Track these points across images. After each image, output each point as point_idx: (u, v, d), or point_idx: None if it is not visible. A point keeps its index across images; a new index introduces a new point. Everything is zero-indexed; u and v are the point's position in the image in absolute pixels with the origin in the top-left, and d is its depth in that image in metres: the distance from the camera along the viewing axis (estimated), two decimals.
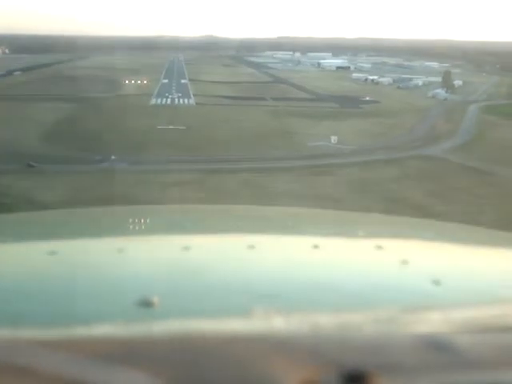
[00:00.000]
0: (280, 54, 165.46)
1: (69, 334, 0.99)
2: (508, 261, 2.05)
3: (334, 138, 50.41)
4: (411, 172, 39.90)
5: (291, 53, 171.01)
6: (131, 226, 2.67)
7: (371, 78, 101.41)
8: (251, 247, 1.84)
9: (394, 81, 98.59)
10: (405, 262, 1.70)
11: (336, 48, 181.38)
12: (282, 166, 41.32)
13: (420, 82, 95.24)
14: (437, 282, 1.50)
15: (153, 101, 71.73)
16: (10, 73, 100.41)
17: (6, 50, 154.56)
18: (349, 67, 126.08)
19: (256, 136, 49.76)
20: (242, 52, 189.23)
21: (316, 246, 1.90)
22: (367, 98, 76.73)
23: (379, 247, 1.89)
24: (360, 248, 2.06)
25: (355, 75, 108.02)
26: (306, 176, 38.14)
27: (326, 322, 1.05)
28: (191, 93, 79.08)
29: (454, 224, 3.91)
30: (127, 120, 54.44)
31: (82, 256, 1.86)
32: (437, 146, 49.95)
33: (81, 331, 1.00)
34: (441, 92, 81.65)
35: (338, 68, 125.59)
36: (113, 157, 42.19)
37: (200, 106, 68.02)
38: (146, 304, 1.25)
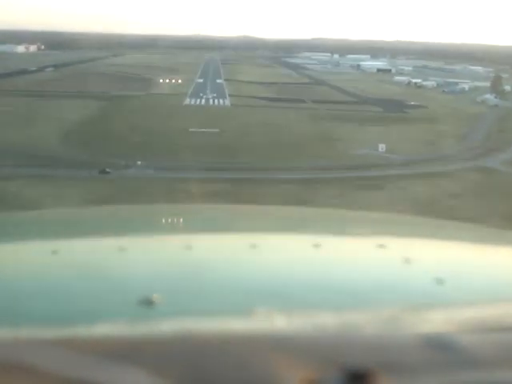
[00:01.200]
0: (318, 56, 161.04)
1: (71, 332, 0.99)
2: (511, 260, 2.03)
3: (381, 146, 45.39)
4: (474, 187, 34.72)
5: (329, 54, 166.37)
6: (133, 225, 2.59)
7: (414, 81, 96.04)
8: (253, 246, 1.83)
9: (438, 84, 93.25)
10: (407, 261, 1.68)
11: (373, 50, 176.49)
12: (326, 177, 36.45)
13: (466, 87, 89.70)
14: (439, 281, 1.49)
15: (186, 101, 67.21)
16: (41, 69, 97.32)
17: (42, 46, 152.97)
18: (390, 70, 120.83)
19: (296, 142, 44.95)
20: (278, 53, 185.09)
21: (318, 245, 1.87)
22: (412, 103, 71.45)
23: (381, 246, 1.88)
24: (362, 247, 2.03)
25: (397, 78, 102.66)
26: (354, 190, 33.25)
27: (328, 321, 1.04)
28: (226, 93, 74.54)
29: (456, 223, 3.73)
30: (157, 121, 50.16)
31: (85, 255, 1.85)
32: (495, 156, 44.68)
33: (83, 330, 0.99)
34: (490, 97, 76.02)
35: (379, 70, 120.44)
36: (138, 162, 37.81)
37: (235, 107, 63.29)
38: (148, 303, 1.25)
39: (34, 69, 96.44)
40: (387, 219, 3.06)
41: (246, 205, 7.61)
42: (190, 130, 47.29)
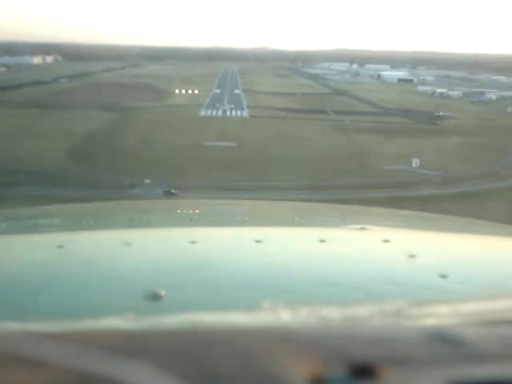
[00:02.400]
0: (336, 66, 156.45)
1: (78, 326, 0.98)
2: None
3: (415, 161, 40.61)
4: None
5: (348, 64, 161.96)
6: (139, 220, 2.58)
7: (439, 91, 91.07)
8: (258, 241, 1.82)
9: (464, 94, 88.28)
10: (412, 256, 1.68)
11: (391, 60, 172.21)
12: (357, 197, 31.70)
13: (493, 97, 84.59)
14: (444, 276, 1.49)
15: (202, 112, 62.80)
16: (55, 80, 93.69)
17: (59, 58, 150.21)
18: (411, 80, 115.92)
19: (320, 156, 40.36)
20: (297, 63, 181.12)
21: (322, 240, 1.86)
22: (441, 113, 66.60)
23: (386, 241, 1.87)
24: (367, 242, 2.02)
25: (421, 88, 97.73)
26: None
27: (333, 315, 1.04)
28: (244, 104, 70.14)
29: (461, 218, 3.43)
30: (171, 134, 45.81)
31: (91, 249, 1.86)
32: None
33: (90, 324, 0.99)
34: None
35: (400, 80, 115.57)
36: (147, 180, 33.36)
37: (254, 118, 58.82)
38: (154, 297, 1.25)
39: (47, 80, 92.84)
40: (392, 214, 2.98)
41: (250, 200, 6.99)
42: (206, 143, 42.83)
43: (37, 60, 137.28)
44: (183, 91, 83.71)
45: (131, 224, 2.46)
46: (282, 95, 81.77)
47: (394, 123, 58.77)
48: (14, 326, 0.99)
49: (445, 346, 0.90)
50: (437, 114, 66.65)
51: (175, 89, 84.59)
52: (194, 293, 1.38)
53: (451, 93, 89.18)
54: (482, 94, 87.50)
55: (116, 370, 0.80)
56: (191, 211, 2.83)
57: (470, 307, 1.13)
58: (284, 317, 1.03)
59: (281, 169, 36.06)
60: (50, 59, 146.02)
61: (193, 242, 1.80)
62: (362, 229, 2.21)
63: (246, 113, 63.05)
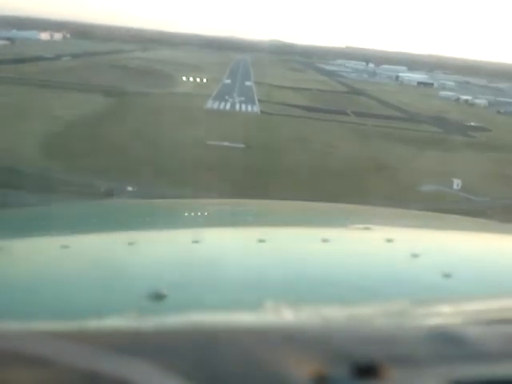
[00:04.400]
0: (352, 64, 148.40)
1: (81, 326, 0.98)
2: None
3: (456, 182, 33.09)
4: None
5: (364, 63, 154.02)
6: (142, 220, 2.57)
7: (464, 98, 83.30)
8: (261, 241, 1.81)
9: (489, 103, 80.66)
10: (415, 255, 1.66)
11: (408, 63, 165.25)
12: None
13: None
14: (447, 275, 1.48)
15: (209, 104, 54.89)
16: (58, 57, 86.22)
17: (68, 35, 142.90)
18: (432, 84, 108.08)
19: (343, 169, 32.81)
20: (311, 58, 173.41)
21: (326, 240, 1.84)
22: (472, 124, 58.88)
23: (389, 240, 1.85)
24: (370, 241, 2.00)
25: (443, 93, 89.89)
26: None
27: (336, 314, 1.03)
28: (256, 98, 62.31)
29: (464, 217, 3.40)
30: (170, 128, 38.21)
31: (94, 249, 1.85)
32: None
33: (93, 323, 0.99)
34: None
35: (420, 84, 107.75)
36: (129, 188, 25.88)
37: (266, 115, 51.06)
38: (158, 297, 1.24)
39: (50, 56, 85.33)
40: (395, 214, 3.00)
41: (254, 199, 5.83)
42: (208, 142, 35.17)
43: (44, 36, 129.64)
44: (191, 79, 76.10)
45: (135, 223, 2.40)
46: (296, 90, 74.04)
47: (423, 132, 51.12)
48: (18, 325, 0.99)
49: (448, 345, 0.89)
50: (467, 123, 58.99)
51: (183, 76, 77.01)
52: (196, 292, 1.36)
53: (477, 101, 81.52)
54: (510, 104, 79.92)
55: (119, 369, 0.79)
56: (194, 211, 2.77)
57: (473, 307, 1.12)
58: (287, 316, 1.02)
59: (293, 181, 28.39)
60: (58, 36, 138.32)
61: (196, 242, 1.79)
62: (366, 228, 2.19)
63: (256, 108, 55.17)
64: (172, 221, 2.56)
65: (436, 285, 1.45)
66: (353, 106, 62.47)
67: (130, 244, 1.78)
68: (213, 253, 1.76)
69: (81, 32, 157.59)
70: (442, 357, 0.87)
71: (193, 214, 2.74)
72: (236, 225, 2.38)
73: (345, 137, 43.28)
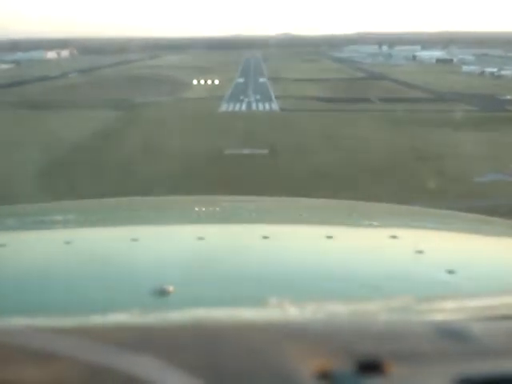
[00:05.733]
0: (365, 48, 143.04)
1: (85, 321, 0.98)
2: None
3: None
4: None
5: (377, 47, 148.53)
6: (146, 216, 2.54)
7: (489, 70, 77.72)
8: (265, 237, 1.79)
9: None
10: (419, 252, 1.66)
11: (420, 42, 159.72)
12: None
13: None
14: (451, 272, 1.47)
15: (223, 106, 50.26)
16: (64, 74, 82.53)
17: (75, 51, 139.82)
18: (451, 60, 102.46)
19: (384, 164, 28.03)
20: (322, 48, 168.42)
21: (330, 236, 1.83)
22: (508, 97, 53.61)
23: (393, 237, 1.84)
24: (374, 238, 1.99)
25: (466, 68, 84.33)
26: None
27: (340, 310, 1.02)
28: (272, 94, 57.55)
29: (469, 214, 3.30)
30: (180, 138, 33.79)
31: (98, 245, 1.84)
32: None
33: (97, 319, 0.99)
34: None
35: (439, 61, 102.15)
36: None
37: (286, 112, 46.28)
38: (162, 293, 1.23)
39: (55, 75, 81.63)
40: (399, 211, 2.93)
41: (257, 196, 5.78)
42: (226, 152, 30.59)
43: (51, 55, 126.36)
44: (202, 82, 71.71)
45: (138, 220, 2.37)
46: (314, 82, 69.20)
47: (458, 111, 46.01)
48: (21, 321, 0.98)
49: (453, 341, 0.88)
50: (503, 97, 53.75)
51: (193, 79, 72.67)
52: (201, 288, 1.35)
53: (503, 72, 75.91)
54: None
55: (124, 365, 0.79)
56: (198, 207, 2.72)
57: (478, 303, 1.11)
58: (291, 312, 1.01)
59: (334, 188, 23.67)
60: (65, 54, 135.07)
61: (200, 238, 1.78)
62: (370, 225, 2.18)
63: (275, 105, 50.40)
64: (176, 217, 2.49)
65: (440, 281, 1.43)
66: (376, 92, 57.54)
67: (134, 240, 1.77)
68: (217, 249, 1.74)
69: (88, 47, 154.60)
70: (447, 353, 0.85)
71: (197, 210, 2.65)
72: (240, 221, 2.31)
73: (376, 127, 38.49)
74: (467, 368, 0.81)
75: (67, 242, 1.78)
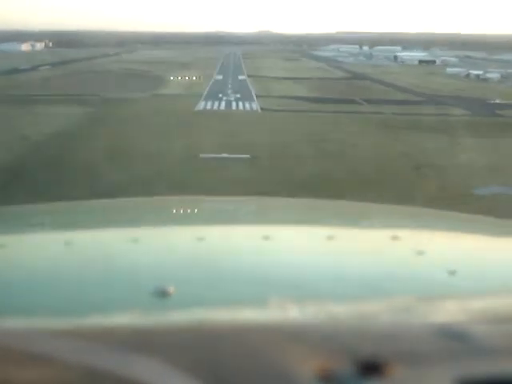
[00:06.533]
0: (346, 48, 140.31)
1: (85, 323, 0.97)
2: None
3: None
4: None
5: (357, 46, 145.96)
6: (146, 217, 2.52)
7: (475, 73, 75.37)
8: (266, 238, 1.78)
9: (502, 77, 72.83)
10: (420, 253, 1.65)
11: (400, 42, 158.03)
12: None
13: None
14: (452, 272, 1.46)
15: (200, 105, 46.72)
16: (35, 68, 78.38)
17: (50, 44, 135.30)
18: (434, 61, 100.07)
19: (378, 177, 24.87)
20: (303, 46, 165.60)
21: (331, 237, 1.82)
22: (497, 101, 51.04)
23: (395, 237, 1.83)
24: (375, 238, 1.98)
25: (450, 70, 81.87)
26: None
27: (341, 311, 1.01)
28: (253, 93, 54.28)
29: (470, 215, 3.35)
30: (152, 139, 30.48)
31: (98, 246, 1.83)
32: None
33: (97, 320, 0.98)
34: None
35: (421, 62, 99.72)
36: None
37: (268, 112, 42.96)
38: (162, 294, 1.22)
39: (26, 67, 77.48)
40: (401, 211, 2.89)
41: (258, 196, 5.86)
42: (202, 155, 27.19)
43: (25, 47, 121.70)
44: (179, 77, 68.15)
45: (139, 220, 2.34)
46: (295, 81, 66.06)
47: (449, 116, 43.27)
48: (22, 322, 0.97)
49: (454, 342, 0.87)
50: (492, 101, 51.15)
51: (171, 75, 69.11)
52: (201, 289, 1.34)
53: (489, 75, 73.61)
54: None
55: (124, 366, 0.78)
56: (198, 208, 2.67)
57: (478, 304, 1.10)
58: (292, 313, 1.00)
59: (323, 197, 20.51)
60: (40, 46, 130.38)
61: (200, 239, 1.78)
62: (371, 225, 2.16)
63: (255, 105, 47.00)
64: (176, 218, 2.49)
65: (441, 282, 1.43)
66: (361, 93, 54.62)
67: (134, 241, 1.76)
68: (217, 250, 1.72)
69: (64, 40, 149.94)
70: (448, 354, 0.84)
71: (197, 211, 2.64)
72: (240, 222, 2.31)
73: (365, 131, 35.45)
74: (468, 369, 0.80)
75: (67, 243, 1.77)
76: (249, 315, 1.00)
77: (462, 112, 44.96)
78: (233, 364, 0.81)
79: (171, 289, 1.22)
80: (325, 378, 0.78)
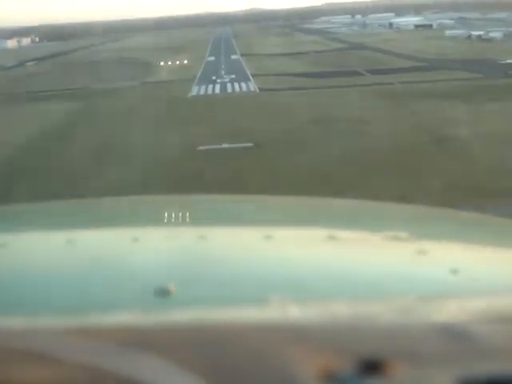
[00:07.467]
0: (339, 19, 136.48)
1: (86, 322, 0.97)
2: None
3: None
4: None
5: (349, 16, 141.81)
6: (147, 216, 2.49)
7: (476, 34, 71.76)
8: (267, 237, 1.77)
9: (505, 35, 69.28)
10: (422, 252, 1.63)
11: (391, 9, 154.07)
12: None
13: None
14: (454, 272, 1.44)
15: (194, 90, 43.23)
16: (21, 63, 74.97)
17: (36, 39, 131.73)
18: (430, 25, 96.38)
19: (397, 157, 21.65)
20: (293, 21, 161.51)
21: (332, 236, 1.81)
22: (508, 61, 47.54)
23: (396, 237, 1.81)
24: (377, 237, 1.96)
25: (449, 32, 78.32)
26: None
27: (342, 311, 1.01)
28: (248, 72, 50.80)
29: (472, 214, 3.27)
30: (143, 131, 27.35)
31: (99, 245, 1.82)
32: None
33: (98, 319, 0.98)
34: None
35: (417, 27, 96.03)
36: None
37: (266, 93, 39.52)
38: (163, 293, 1.22)
39: (11, 65, 74.01)
40: (402, 210, 2.85)
41: (259, 195, 5.61)
42: (200, 148, 23.97)
43: (11, 43, 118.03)
44: (169, 62, 64.71)
45: (139, 219, 2.32)
46: (291, 56, 62.59)
47: (461, 80, 39.96)
48: (21, 321, 0.97)
49: (456, 342, 0.87)
50: (502, 61, 47.70)
51: (160, 61, 65.63)
52: (203, 288, 1.33)
53: (491, 35, 70.03)
54: None
55: (125, 366, 0.78)
56: (199, 206, 2.67)
57: (480, 303, 1.09)
58: (293, 312, 0.99)
59: (340, 190, 17.27)
60: (26, 41, 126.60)
61: (201, 238, 1.78)
62: (372, 224, 2.14)
63: (252, 85, 43.47)
64: (177, 216, 2.47)
65: (443, 281, 1.42)
66: (362, 64, 51.21)
67: (135, 240, 1.75)
68: (218, 248, 1.71)
69: (51, 34, 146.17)
70: (450, 354, 0.84)
71: (198, 209, 2.62)
72: (242, 220, 2.29)
73: (374, 104, 32.18)
74: (470, 369, 0.80)
75: (67, 242, 1.77)
76: (250, 314, 1.00)
77: (474, 75, 41.56)
78: (234, 363, 0.80)
79: (172, 287, 1.21)
80: (326, 378, 0.78)
